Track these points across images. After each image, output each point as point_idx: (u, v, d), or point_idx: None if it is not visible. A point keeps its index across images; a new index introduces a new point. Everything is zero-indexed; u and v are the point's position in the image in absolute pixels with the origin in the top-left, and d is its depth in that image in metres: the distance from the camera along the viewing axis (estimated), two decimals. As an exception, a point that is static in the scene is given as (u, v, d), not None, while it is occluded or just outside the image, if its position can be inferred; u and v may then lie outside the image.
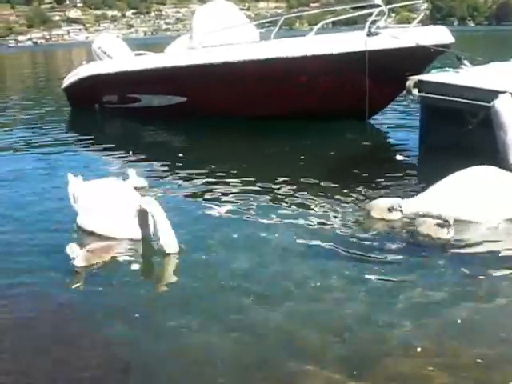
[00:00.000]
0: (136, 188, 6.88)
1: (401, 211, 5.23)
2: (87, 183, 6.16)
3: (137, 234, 5.38)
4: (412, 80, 8.29)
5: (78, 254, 4.89)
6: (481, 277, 4.47)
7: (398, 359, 3.50)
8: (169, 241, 5.04)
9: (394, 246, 5.08)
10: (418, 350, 3.56)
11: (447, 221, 5.04)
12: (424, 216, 5.43)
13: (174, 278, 4.83)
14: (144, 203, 5.22)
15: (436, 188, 5.90)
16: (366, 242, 5.19)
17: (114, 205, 5.66)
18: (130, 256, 5.18)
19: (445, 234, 5.07)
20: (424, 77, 8.47)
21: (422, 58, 10.01)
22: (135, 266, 4.97)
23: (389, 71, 9.96)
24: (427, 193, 5.92)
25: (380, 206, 5.43)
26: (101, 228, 5.56)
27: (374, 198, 6.01)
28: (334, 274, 4.56)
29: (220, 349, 3.66)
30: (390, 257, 4.88)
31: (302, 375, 3.41)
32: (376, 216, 5.50)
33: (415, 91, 8.24)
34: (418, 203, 5.79)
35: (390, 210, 5.36)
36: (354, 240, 5.25)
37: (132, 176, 7.17)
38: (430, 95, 8.06)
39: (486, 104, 6.88)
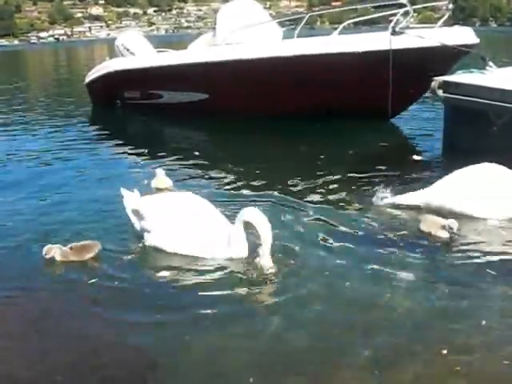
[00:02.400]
0: (160, 189, 6.90)
1: (453, 233, 5.08)
2: (153, 198, 5.54)
3: (226, 251, 4.92)
4: (437, 81, 8.25)
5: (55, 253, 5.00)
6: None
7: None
8: (269, 261, 4.66)
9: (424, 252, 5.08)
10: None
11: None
12: (427, 209, 5.75)
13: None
14: (249, 214, 4.76)
15: (441, 183, 6.06)
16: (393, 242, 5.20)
17: (196, 221, 5.09)
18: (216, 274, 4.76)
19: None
20: (449, 77, 8.42)
21: (447, 58, 9.96)
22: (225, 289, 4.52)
23: (413, 71, 9.91)
24: (433, 187, 6.08)
25: (432, 221, 5.28)
26: (188, 248, 5.03)
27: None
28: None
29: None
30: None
31: (326, 375, 3.41)
32: (425, 230, 5.32)
33: (440, 92, 8.20)
34: (423, 196, 6.03)
35: (443, 227, 5.18)
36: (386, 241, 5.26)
37: (160, 175, 7.14)
38: (454, 96, 8.01)
39: (511, 105, 6.82)
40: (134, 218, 5.45)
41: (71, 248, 5.08)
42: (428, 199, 6.02)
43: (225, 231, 4.98)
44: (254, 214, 4.72)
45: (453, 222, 5.08)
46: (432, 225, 5.16)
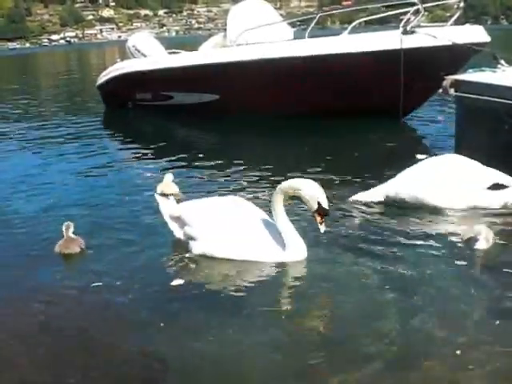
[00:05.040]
0: (165, 194, 6.84)
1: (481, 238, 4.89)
2: (194, 204, 5.34)
3: (283, 254, 4.81)
4: (448, 79, 8.22)
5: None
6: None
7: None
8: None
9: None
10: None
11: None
12: (394, 200, 6.01)
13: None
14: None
15: (405, 174, 6.22)
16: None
17: (248, 225, 4.96)
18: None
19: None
20: (461, 76, 8.38)
21: (458, 56, 9.94)
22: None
23: (424, 70, 9.90)
24: (397, 179, 6.23)
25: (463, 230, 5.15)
26: (243, 254, 4.88)
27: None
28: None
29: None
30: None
31: (339, 371, 3.41)
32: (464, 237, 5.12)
33: (452, 91, 8.17)
34: (388, 189, 6.18)
35: (470, 239, 4.99)
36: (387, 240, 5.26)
37: (167, 180, 7.06)
38: (466, 95, 7.97)
39: (523, 104, 6.79)
40: (173, 226, 5.27)
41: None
42: (392, 192, 6.17)
43: (278, 233, 4.88)
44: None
45: (483, 228, 4.87)
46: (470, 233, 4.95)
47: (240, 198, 5.40)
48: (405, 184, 6.14)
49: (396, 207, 6.07)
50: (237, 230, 4.93)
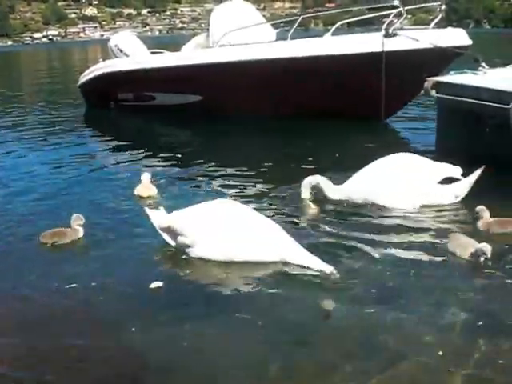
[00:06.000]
0: (143, 197, 6.81)
1: (485, 258, 4.68)
2: (186, 212, 5.24)
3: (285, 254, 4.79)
4: (430, 81, 8.25)
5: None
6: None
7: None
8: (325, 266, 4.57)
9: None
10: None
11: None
12: (347, 202, 6.16)
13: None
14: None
15: (358, 175, 6.33)
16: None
17: (246, 227, 4.92)
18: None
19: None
20: (442, 78, 8.43)
21: (440, 59, 9.99)
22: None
23: (406, 72, 9.93)
24: (351, 180, 6.34)
25: (460, 243, 4.97)
26: (244, 255, 4.85)
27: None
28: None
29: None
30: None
31: (325, 370, 3.44)
32: (452, 250, 4.98)
33: (433, 92, 8.21)
34: (342, 190, 6.31)
35: (473, 254, 4.75)
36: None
37: (144, 182, 6.95)
38: (447, 96, 8.01)
39: (503, 106, 6.82)
40: (166, 236, 5.23)
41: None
42: (347, 193, 6.28)
43: (277, 234, 4.90)
44: None
45: (485, 246, 4.65)
46: (461, 247, 4.83)
47: (227, 200, 5.38)
48: (358, 185, 6.26)
49: (351, 207, 6.15)
50: (230, 231, 4.89)
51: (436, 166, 6.28)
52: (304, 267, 4.63)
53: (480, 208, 5.40)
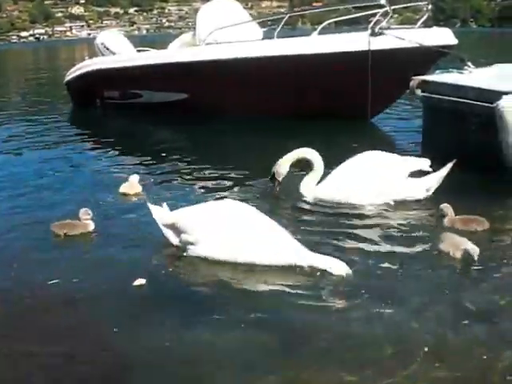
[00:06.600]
0: (127, 194, 6.81)
1: (473, 259, 4.69)
2: (190, 210, 5.21)
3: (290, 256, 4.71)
4: (415, 80, 8.28)
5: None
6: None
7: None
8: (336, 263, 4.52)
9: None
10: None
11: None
12: (322, 201, 6.25)
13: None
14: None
15: (333, 175, 6.45)
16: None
17: (252, 228, 4.87)
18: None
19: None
20: (428, 77, 8.46)
21: (425, 58, 10.01)
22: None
23: (392, 71, 9.96)
24: (326, 180, 6.44)
25: (454, 242, 4.93)
26: (248, 256, 4.77)
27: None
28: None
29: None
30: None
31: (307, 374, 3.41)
32: (444, 249, 4.94)
33: (418, 91, 8.23)
34: (318, 189, 6.39)
35: (464, 253, 4.74)
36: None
37: (131, 181, 6.94)
38: (433, 95, 8.04)
39: (489, 105, 6.85)
40: (169, 233, 5.17)
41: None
42: (322, 193, 6.36)
43: (283, 236, 4.85)
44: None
45: (473, 249, 4.66)
46: (453, 246, 4.83)
47: (234, 201, 5.26)
48: (331, 185, 6.36)
49: (325, 207, 6.20)
50: (236, 231, 4.83)
51: (405, 160, 6.42)
52: (311, 267, 4.58)
53: (444, 205, 5.55)
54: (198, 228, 4.95)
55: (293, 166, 6.60)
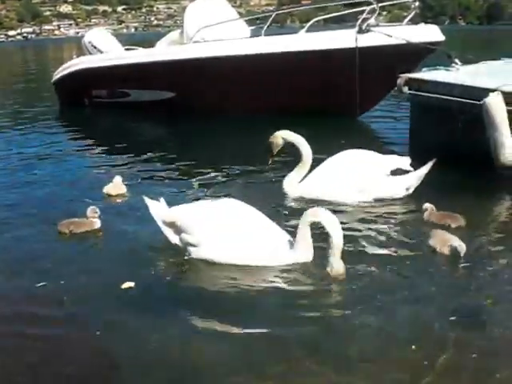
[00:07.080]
0: (111, 195, 6.79)
1: (460, 255, 4.72)
2: (191, 208, 5.11)
3: (291, 256, 4.68)
4: (403, 78, 8.28)
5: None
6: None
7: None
8: (340, 264, 4.45)
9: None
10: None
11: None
12: (306, 199, 6.27)
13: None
14: (317, 213, 4.51)
15: (315, 172, 6.51)
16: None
17: (252, 228, 4.81)
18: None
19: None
20: (415, 75, 8.46)
21: (413, 55, 10.02)
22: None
23: (379, 68, 9.97)
24: (308, 178, 6.51)
25: (442, 239, 4.95)
26: (249, 258, 4.70)
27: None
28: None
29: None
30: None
31: (295, 371, 3.42)
32: (432, 245, 4.98)
33: (406, 89, 8.24)
34: (301, 187, 6.46)
35: (451, 248, 4.78)
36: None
37: (116, 181, 6.89)
38: (420, 93, 8.05)
39: (476, 102, 6.86)
40: (168, 231, 5.02)
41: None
42: (306, 191, 6.41)
43: (284, 235, 4.84)
44: (324, 214, 4.50)
45: (461, 246, 4.72)
46: (440, 242, 4.89)
47: (236, 201, 5.12)
48: (312, 183, 6.43)
49: (308, 204, 6.11)
50: (241, 233, 4.75)
51: (385, 158, 6.45)
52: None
53: (426, 205, 5.64)
54: (199, 229, 4.82)
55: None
